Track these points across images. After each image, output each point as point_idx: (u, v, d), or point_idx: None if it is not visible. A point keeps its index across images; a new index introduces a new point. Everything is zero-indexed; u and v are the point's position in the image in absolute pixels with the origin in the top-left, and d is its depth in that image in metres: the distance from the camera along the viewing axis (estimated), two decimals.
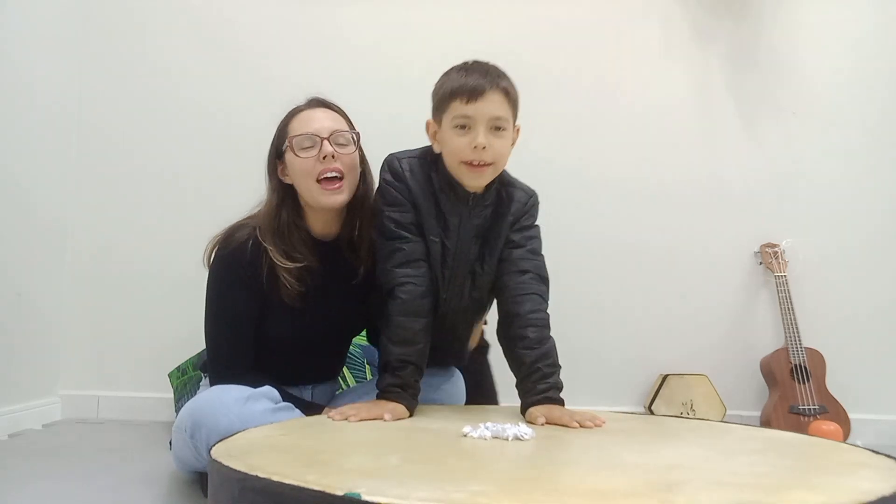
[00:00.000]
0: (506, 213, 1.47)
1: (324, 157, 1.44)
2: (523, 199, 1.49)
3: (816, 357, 2.39)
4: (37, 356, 2.28)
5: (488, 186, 1.45)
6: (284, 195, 1.51)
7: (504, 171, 1.47)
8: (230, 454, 0.96)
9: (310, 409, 1.45)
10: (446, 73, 1.42)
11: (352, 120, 1.55)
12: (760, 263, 2.54)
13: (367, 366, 2.05)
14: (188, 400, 1.47)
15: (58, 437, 2.10)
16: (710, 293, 2.55)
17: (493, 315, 1.59)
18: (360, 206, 1.54)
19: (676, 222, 2.56)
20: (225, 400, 1.32)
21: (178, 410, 1.94)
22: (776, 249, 2.50)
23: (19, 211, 2.18)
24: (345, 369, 2.01)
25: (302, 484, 0.78)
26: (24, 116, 2.21)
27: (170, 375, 2.22)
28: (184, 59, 2.52)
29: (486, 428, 1.15)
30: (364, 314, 1.61)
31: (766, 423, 2.35)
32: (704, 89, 2.62)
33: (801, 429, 2.21)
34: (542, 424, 1.28)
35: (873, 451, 1.08)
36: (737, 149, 2.60)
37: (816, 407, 2.31)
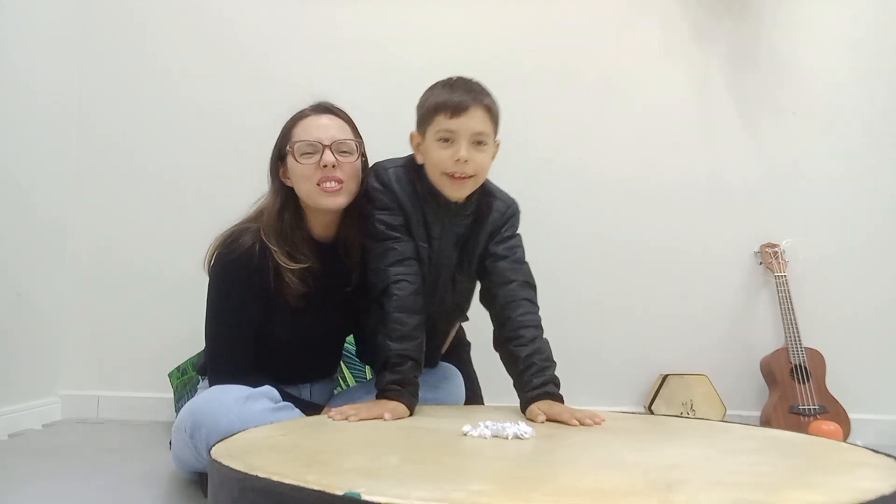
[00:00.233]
0: (484, 222, 1.52)
1: (324, 166, 1.45)
2: (502, 209, 1.54)
3: (816, 357, 2.38)
4: (37, 356, 2.28)
5: (469, 197, 1.49)
6: (286, 197, 1.51)
7: (487, 181, 1.51)
8: (230, 454, 0.96)
9: (309, 408, 1.46)
10: (431, 88, 1.45)
11: (355, 123, 1.55)
12: (760, 263, 2.54)
13: (366, 366, 2.05)
14: (188, 400, 1.47)
15: (58, 437, 2.09)
16: (710, 293, 2.55)
17: (476, 313, 1.60)
18: (357, 211, 1.54)
19: (676, 222, 2.56)
20: (225, 400, 1.32)
21: (177, 410, 1.94)
22: (776, 249, 2.50)
23: (19, 211, 2.17)
24: (345, 369, 2.01)
25: (302, 484, 0.78)
26: (24, 116, 2.21)
27: (170, 375, 2.22)
28: (184, 59, 2.52)
29: (486, 427, 1.15)
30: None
31: (766, 422, 2.35)
32: (704, 89, 2.62)
33: (801, 429, 2.21)
34: (543, 422, 1.29)
35: (873, 451, 1.08)
36: (737, 149, 2.60)
37: (816, 407, 2.31)
